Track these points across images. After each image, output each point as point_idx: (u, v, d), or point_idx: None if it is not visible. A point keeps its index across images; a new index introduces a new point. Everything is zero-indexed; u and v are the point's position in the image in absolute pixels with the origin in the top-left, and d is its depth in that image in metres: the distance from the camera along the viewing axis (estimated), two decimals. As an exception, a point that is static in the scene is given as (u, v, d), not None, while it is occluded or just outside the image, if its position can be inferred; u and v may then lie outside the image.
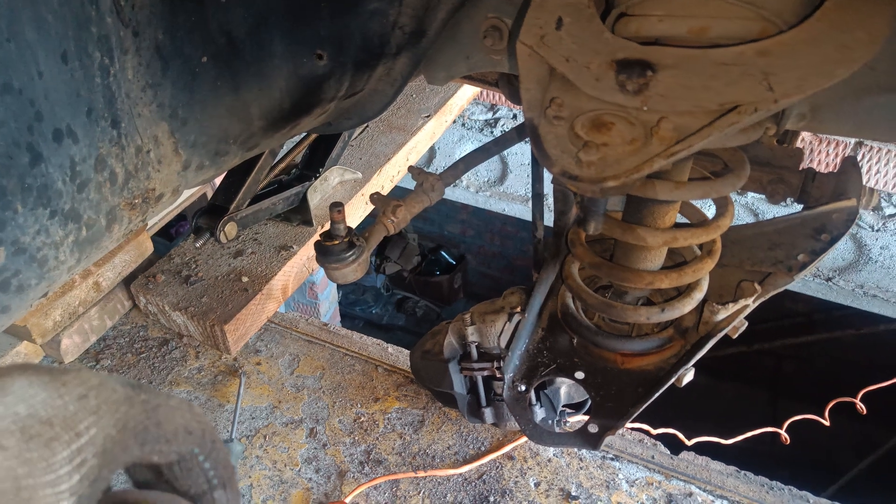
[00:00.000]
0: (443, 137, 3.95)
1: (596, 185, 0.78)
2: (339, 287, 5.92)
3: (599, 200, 1.01)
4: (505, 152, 3.87)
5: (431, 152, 4.14)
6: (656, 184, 1.00)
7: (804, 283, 3.61)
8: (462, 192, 4.14)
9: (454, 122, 3.81)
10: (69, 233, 0.87)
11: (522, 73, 0.90)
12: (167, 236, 4.79)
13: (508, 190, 4.03)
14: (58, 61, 0.77)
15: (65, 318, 1.73)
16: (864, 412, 2.29)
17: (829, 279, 3.54)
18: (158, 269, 1.97)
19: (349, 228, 1.28)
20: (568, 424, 1.64)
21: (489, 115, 3.86)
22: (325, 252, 1.27)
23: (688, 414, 3.42)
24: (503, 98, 3.56)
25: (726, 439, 1.94)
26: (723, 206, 1.17)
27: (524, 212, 3.98)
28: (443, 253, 7.19)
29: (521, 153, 3.81)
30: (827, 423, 2.15)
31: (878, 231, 3.30)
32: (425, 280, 7.06)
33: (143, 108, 0.92)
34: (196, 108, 1.01)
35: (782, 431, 2.04)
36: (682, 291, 1.25)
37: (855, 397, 2.32)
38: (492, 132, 3.89)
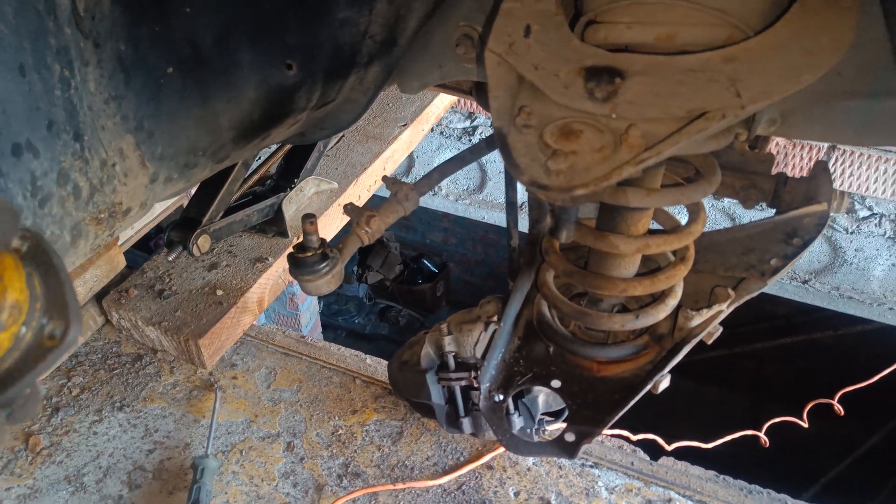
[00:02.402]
0: (421, 146, 3.95)
1: (565, 194, 0.77)
2: (320, 297, 5.89)
3: (570, 209, 1.00)
4: (483, 160, 3.88)
5: (410, 161, 4.13)
6: (628, 191, 1.00)
7: (781, 286, 3.64)
8: (441, 201, 4.13)
9: (432, 130, 3.81)
10: (31, 249, 0.86)
11: (491, 81, 0.89)
12: (146, 249, 4.74)
13: (488, 198, 4.03)
14: (15, 74, 0.75)
15: (35, 334, 1.70)
16: (842, 413, 2.31)
17: (805, 282, 3.57)
18: (131, 283, 1.95)
19: (322, 240, 1.27)
20: (546, 433, 1.64)
21: (467, 124, 3.86)
22: (299, 264, 1.26)
23: (670, 418, 3.42)
24: (480, 106, 3.57)
25: (707, 443, 1.94)
26: (695, 212, 1.17)
27: (504, 219, 3.98)
28: (425, 261, 7.18)
29: (499, 161, 3.81)
30: (805, 425, 2.16)
31: (852, 234, 3.33)
32: (408, 289, 7.04)
33: (107, 120, 0.90)
34: (163, 120, 0.99)
35: (761, 434, 2.04)
36: (657, 298, 1.24)
37: (833, 398, 2.34)
38: (470, 140, 3.89)
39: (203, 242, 1.79)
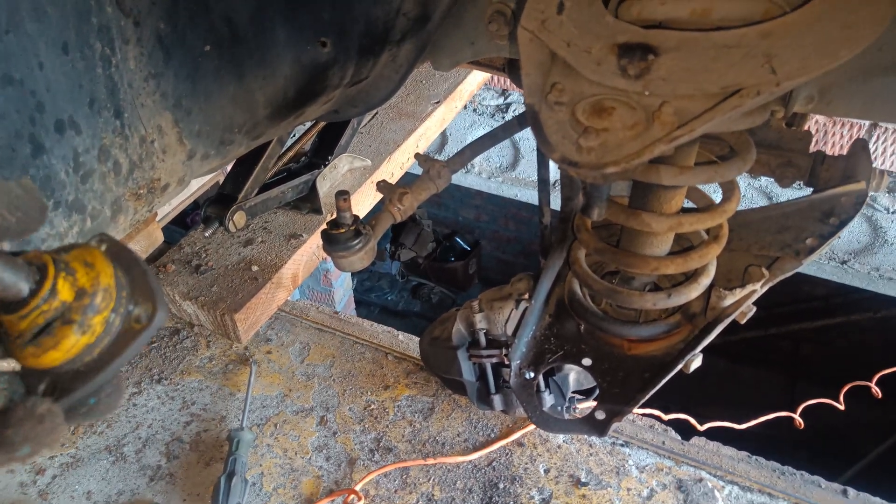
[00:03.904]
0: (454, 123, 3.94)
1: (596, 171, 0.77)
2: (353, 274, 5.94)
3: (602, 186, 1.00)
4: (517, 138, 3.86)
5: (443, 138, 4.13)
6: (661, 169, 0.99)
7: (819, 267, 3.58)
8: (474, 179, 4.13)
9: (465, 107, 3.80)
10: (73, 224, 0.88)
11: (523, 58, 0.89)
12: (183, 225, 4.82)
13: (521, 175, 4.01)
14: (59, 52, 0.77)
15: (76, 307, 1.74)
16: (880, 396, 2.27)
17: (844, 262, 3.50)
18: (169, 258, 1.98)
19: (355, 217, 1.28)
20: (577, 410, 1.64)
21: (500, 101, 3.84)
22: (332, 240, 1.27)
23: (704, 399, 3.41)
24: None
25: (741, 424, 1.93)
26: (729, 190, 1.16)
27: (537, 197, 3.96)
28: (457, 239, 7.18)
29: (532, 139, 3.77)
30: (842, 408, 2.13)
31: (893, 213, 3.26)
32: (440, 266, 7.06)
33: (146, 98, 0.92)
34: (200, 98, 1.01)
35: (796, 416, 2.02)
36: (690, 276, 1.24)
37: (870, 381, 2.30)
38: (503, 117, 3.87)
39: (239, 219, 1.81)
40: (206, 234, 1.82)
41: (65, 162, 0.82)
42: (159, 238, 1.93)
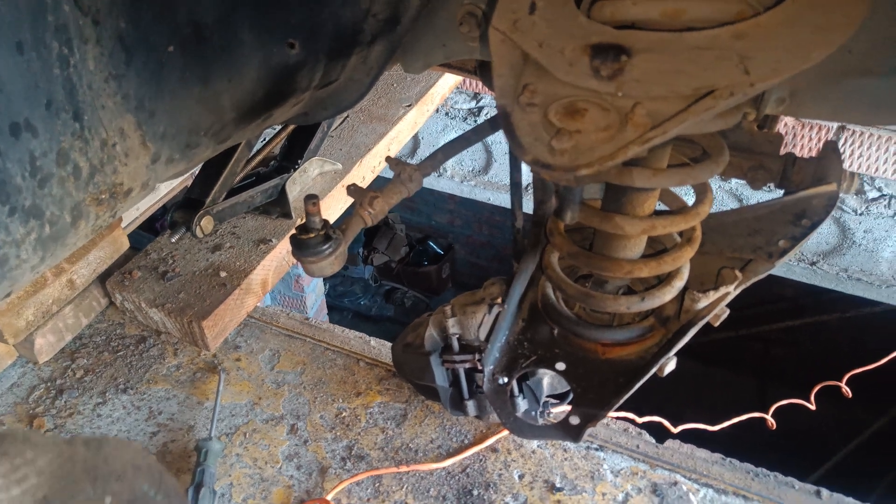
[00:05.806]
0: (426, 127, 3.93)
1: (569, 174, 0.76)
2: (326, 279, 5.90)
3: (575, 189, 0.99)
4: (489, 140, 3.86)
5: (416, 142, 4.11)
6: (633, 171, 0.99)
7: (789, 268, 3.62)
8: (447, 182, 4.12)
9: (437, 111, 3.78)
10: (31, 230, 0.85)
11: (495, 59, 0.88)
12: (152, 230, 4.74)
13: (493, 179, 4.01)
14: (12, 52, 0.74)
15: (38, 317, 1.70)
16: (850, 395, 2.30)
17: (813, 263, 3.55)
18: (134, 265, 1.94)
19: (325, 221, 1.26)
20: (551, 416, 1.63)
21: (472, 104, 3.84)
22: (301, 246, 1.25)
23: (676, 401, 3.43)
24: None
25: (713, 426, 1.93)
26: (702, 192, 1.16)
27: (510, 201, 3.96)
28: (430, 243, 7.19)
29: (505, 142, 3.78)
30: (812, 408, 2.15)
31: (861, 215, 3.31)
32: (413, 270, 7.05)
33: (107, 99, 0.89)
34: (164, 100, 0.98)
35: (768, 417, 2.04)
36: (663, 280, 1.23)
37: (841, 381, 2.33)
38: (475, 120, 3.87)
39: (206, 224, 1.78)
40: (173, 240, 1.78)
41: (21, 166, 0.79)
42: (125, 244, 1.89)
